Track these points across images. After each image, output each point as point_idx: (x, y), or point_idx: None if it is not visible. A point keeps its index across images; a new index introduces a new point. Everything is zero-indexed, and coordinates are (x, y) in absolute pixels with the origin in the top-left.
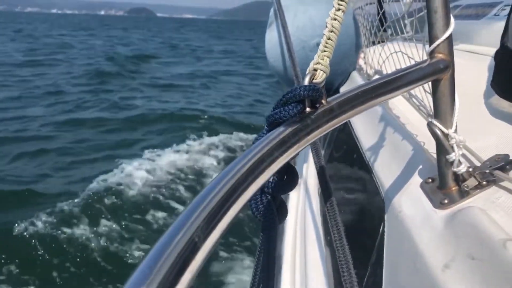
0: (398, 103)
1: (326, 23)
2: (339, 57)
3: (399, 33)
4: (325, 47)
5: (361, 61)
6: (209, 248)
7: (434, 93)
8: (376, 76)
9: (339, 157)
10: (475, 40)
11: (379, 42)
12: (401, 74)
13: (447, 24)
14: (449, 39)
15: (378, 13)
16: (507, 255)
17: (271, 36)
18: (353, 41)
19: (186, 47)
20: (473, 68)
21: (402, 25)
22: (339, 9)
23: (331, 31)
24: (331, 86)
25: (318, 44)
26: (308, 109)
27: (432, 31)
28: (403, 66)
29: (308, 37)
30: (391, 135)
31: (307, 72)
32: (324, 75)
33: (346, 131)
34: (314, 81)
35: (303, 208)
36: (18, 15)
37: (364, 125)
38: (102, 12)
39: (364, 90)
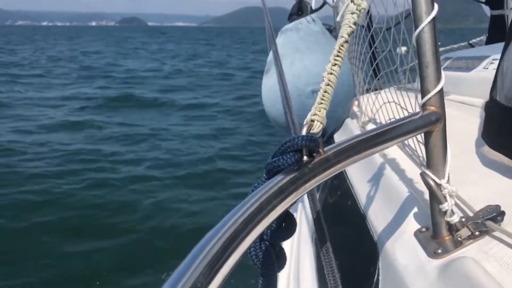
0: (392, 150)
1: (323, 77)
2: (333, 105)
3: (392, 83)
4: (322, 99)
5: (355, 109)
6: None
7: (427, 144)
8: (370, 125)
9: (334, 202)
10: (466, 92)
11: (373, 90)
12: (394, 126)
13: (438, 78)
14: (440, 92)
15: (372, 63)
16: None
17: (268, 83)
18: (347, 89)
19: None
20: (464, 119)
21: (395, 76)
22: (335, 64)
23: (328, 85)
24: (324, 133)
25: (313, 92)
26: (305, 158)
27: (424, 85)
28: (396, 115)
29: (304, 85)
30: (385, 182)
31: (304, 122)
32: (321, 126)
33: (341, 176)
34: (311, 131)
35: (297, 253)
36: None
37: (358, 172)
38: (93, 23)
39: (359, 141)
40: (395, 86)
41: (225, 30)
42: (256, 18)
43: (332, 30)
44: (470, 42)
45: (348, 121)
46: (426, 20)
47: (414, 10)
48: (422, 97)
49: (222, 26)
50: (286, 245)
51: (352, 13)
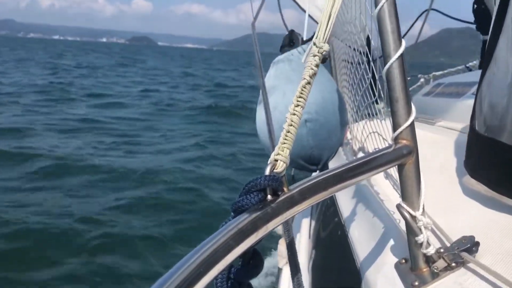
0: (379, 179)
1: (286, 117)
2: (327, 133)
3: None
4: (285, 139)
5: (348, 136)
6: None
7: (400, 176)
8: (361, 153)
9: (325, 226)
10: (456, 118)
11: (366, 117)
12: (366, 160)
13: (408, 112)
14: (411, 126)
15: (359, 90)
16: None
17: (261, 113)
18: (339, 118)
19: None
20: (452, 145)
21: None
22: (298, 105)
23: (291, 125)
24: (319, 161)
25: (306, 121)
26: (269, 197)
27: (395, 119)
28: (383, 144)
29: None
30: (370, 211)
31: (268, 162)
32: (284, 165)
33: (332, 201)
34: (275, 170)
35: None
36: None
37: (346, 199)
38: (104, 40)
39: (327, 177)
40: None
41: (236, 54)
42: (265, 44)
43: (327, 58)
44: (467, 65)
45: (342, 149)
46: (394, 57)
47: (382, 47)
48: (394, 131)
49: (232, 49)
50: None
51: (314, 55)
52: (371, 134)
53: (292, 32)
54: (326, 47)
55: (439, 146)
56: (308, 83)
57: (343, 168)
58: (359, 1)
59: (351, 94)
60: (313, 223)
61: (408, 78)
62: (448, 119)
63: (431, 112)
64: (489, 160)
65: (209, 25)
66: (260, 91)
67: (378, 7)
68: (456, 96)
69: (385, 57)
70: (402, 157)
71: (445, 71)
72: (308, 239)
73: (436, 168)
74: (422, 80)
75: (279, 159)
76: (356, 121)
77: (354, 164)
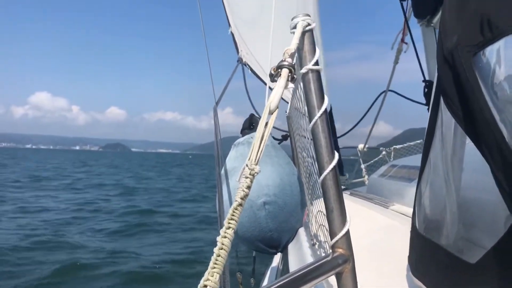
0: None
1: (217, 240)
2: (286, 216)
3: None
4: (215, 264)
5: (306, 218)
6: None
7: (338, 284)
8: (314, 240)
9: None
10: (407, 203)
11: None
12: (306, 271)
13: (343, 221)
14: (347, 235)
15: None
16: None
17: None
18: (298, 200)
19: None
20: (403, 233)
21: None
22: (229, 227)
23: (221, 249)
24: (279, 244)
25: (265, 203)
26: None
27: (331, 227)
28: None
29: (255, 197)
30: None
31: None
32: None
33: None
34: None
35: None
36: None
37: None
38: (77, 147)
39: None
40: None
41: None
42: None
43: (288, 137)
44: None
45: (301, 230)
46: (328, 169)
47: (317, 159)
48: (331, 239)
49: (206, 153)
50: None
51: (246, 177)
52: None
53: (252, 116)
54: (257, 169)
55: (391, 232)
56: (240, 204)
57: (282, 282)
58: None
59: (306, 174)
60: None
61: (365, 149)
62: (401, 203)
63: (386, 195)
64: (428, 261)
65: (182, 131)
66: (222, 171)
67: (312, 123)
68: (408, 180)
69: (320, 169)
70: (338, 266)
71: (405, 145)
72: None
73: (385, 256)
74: (384, 153)
75: (209, 285)
76: (311, 203)
77: (293, 277)
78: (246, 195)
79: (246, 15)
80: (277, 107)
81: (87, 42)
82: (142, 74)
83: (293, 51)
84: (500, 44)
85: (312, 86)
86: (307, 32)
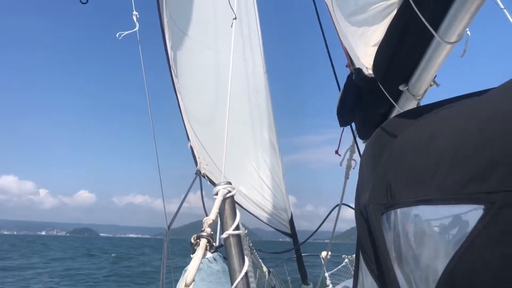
0: None
1: None
2: None
3: None
4: None
5: None
6: None
7: None
8: None
9: None
10: None
11: None
12: None
13: None
14: None
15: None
16: None
17: None
18: None
19: None
20: None
21: None
22: None
23: None
24: None
25: None
26: None
27: None
28: None
29: None
30: None
31: None
32: None
33: None
34: None
35: None
36: None
37: None
38: (43, 233)
39: None
40: None
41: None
42: None
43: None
44: None
45: None
46: (238, 278)
47: (229, 267)
48: None
49: (178, 238)
50: None
51: None
52: None
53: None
54: None
55: None
56: None
57: None
58: None
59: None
60: None
61: (328, 257)
62: None
63: None
64: None
65: (152, 214)
66: None
67: (224, 235)
68: None
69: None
70: None
71: None
72: None
73: None
74: (346, 260)
75: None
76: None
77: None
78: None
79: (202, 116)
80: (193, 280)
81: (61, 122)
82: (114, 157)
83: (211, 221)
84: (398, 212)
85: (233, 250)
86: (228, 199)
